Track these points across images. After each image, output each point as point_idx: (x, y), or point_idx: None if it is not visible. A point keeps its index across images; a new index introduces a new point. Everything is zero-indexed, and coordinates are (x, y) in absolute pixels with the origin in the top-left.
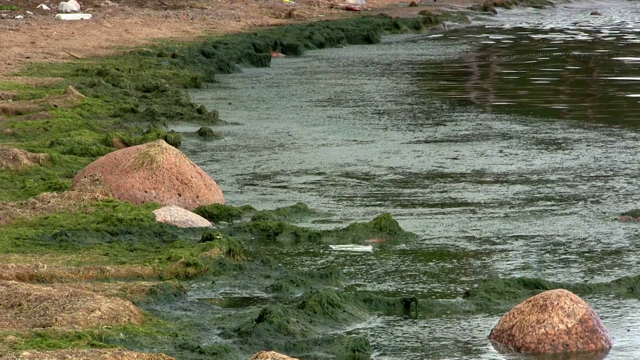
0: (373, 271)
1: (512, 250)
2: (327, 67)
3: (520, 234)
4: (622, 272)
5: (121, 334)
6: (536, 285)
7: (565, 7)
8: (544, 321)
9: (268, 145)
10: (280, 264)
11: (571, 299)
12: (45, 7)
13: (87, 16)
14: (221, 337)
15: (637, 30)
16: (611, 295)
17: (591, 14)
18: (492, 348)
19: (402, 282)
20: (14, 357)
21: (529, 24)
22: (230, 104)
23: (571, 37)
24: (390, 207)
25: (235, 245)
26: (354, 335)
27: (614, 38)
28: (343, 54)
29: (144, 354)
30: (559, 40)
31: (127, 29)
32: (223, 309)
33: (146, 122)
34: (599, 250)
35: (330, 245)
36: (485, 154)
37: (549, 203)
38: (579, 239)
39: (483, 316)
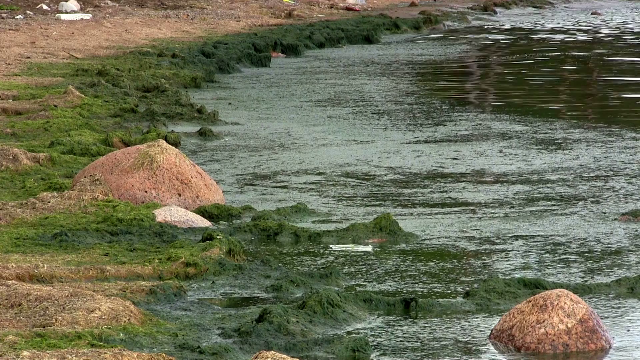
0: (373, 271)
1: (512, 250)
2: (327, 67)
3: (520, 234)
4: (622, 272)
5: (121, 334)
6: (536, 285)
7: (565, 7)
8: (544, 321)
9: (268, 145)
10: (280, 264)
11: (571, 299)
12: (45, 7)
13: (87, 16)
14: (221, 337)
15: (637, 30)
16: (611, 295)
17: (591, 14)
18: (492, 348)
19: (402, 282)
20: (14, 357)
21: (529, 24)
22: (230, 104)
23: (571, 37)
24: (390, 207)
25: (235, 245)
26: (354, 335)
27: (613, 38)
28: (343, 54)
29: (144, 354)
30: (558, 40)
31: (127, 29)
32: (223, 309)
33: (146, 122)
34: (599, 250)
35: (330, 245)
36: (485, 154)
37: (549, 203)
38: (579, 239)
39: (483, 316)
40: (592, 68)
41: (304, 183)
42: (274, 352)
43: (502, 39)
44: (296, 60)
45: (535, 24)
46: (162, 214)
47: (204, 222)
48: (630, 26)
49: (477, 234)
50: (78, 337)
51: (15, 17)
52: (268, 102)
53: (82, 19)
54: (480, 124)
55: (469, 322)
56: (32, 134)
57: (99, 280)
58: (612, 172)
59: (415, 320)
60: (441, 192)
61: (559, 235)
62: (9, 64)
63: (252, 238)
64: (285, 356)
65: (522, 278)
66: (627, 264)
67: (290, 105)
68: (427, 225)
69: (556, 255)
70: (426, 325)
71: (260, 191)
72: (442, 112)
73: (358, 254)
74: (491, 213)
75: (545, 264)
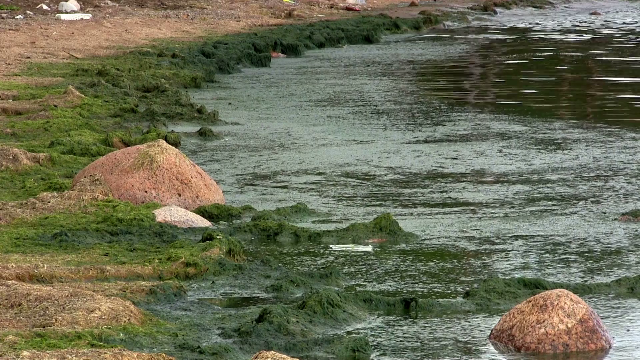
0: (373, 271)
1: (512, 250)
2: (327, 67)
3: (520, 234)
4: (622, 272)
5: (121, 334)
6: (536, 285)
7: (565, 7)
8: (544, 321)
9: (268, 145)
10: (280, 264)
11: (571, 299)
12: (45, 7)
13: (87, 16)
14: (221, 337)
15: (637, 30)
16: (611, 295)
17: (591, 14)
18: (492, 348)
19: (402, 282)
20: (14, 357)
21: (529, 24)
22: (230, 104)
23: (571, 37)
24: (391, 207)
25: (235, 245)
26: (354, 335)
27: (613, 38)
28: (343, 54)
29: (144, 354)
30: (558, 40)
31: (127, 29)
32: (223, 309)
33: (146, 122)
34: (599, 250)
35: (330, 245)
36: (485, 154)
37: (549, 203)
38: (579, 239)
39: (483, 316)
40: (592, 68)
41: (304, 183)
42: (274, 352)
43: (502, 39)
44: (296, 60)
45: (536, 24)
46: (162, 214)
47: (204, 222)
48: (631, 27)
49: (477, 234)
50: (78, 337)
51: (15, 17)
52: (268, 102)
53: (82, 19)
54: (479, 124)
55: (469, 322)
56: (32, 134)
57: (99, 280)
58: (611, 172)
59: (415, 320)
60: (441, 192)
61: (559, 235)
62: (9, 64)
63: (252, 238)
64: (285, 356)
65: (522, 278)
66: (627, 264)
67: (290, 105)
68: (427, 225)
69: (556, 255)
70: (426, 325)
71: (260, 191)
72: (442, 111)
73: (358, 254)
74: (491, 213)
75: (545, 264)
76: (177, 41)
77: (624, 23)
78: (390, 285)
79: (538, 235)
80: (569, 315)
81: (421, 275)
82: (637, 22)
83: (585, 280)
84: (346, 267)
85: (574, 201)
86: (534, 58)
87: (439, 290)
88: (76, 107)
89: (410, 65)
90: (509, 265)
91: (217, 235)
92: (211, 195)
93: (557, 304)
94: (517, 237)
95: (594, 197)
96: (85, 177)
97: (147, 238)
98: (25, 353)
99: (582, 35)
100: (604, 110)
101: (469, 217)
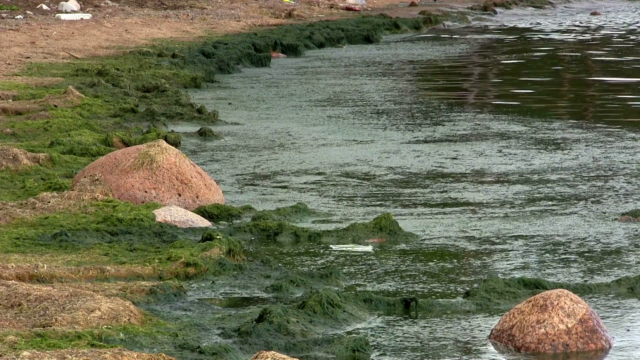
0: (373, 271)
1: (512, 250)
2: (327, 67)
3: (520, 234)
4: (622, 272)
5: (121, 334)
6: (536, 285)
7: (565, 7)
8: (544, 321)
9: (268, 145)
10: (280, 264)
11: (571, 299)
12: (45, 7)
13: (87, 16)
14: (221, 337)
15: (637, 30)
16: (611, 295)
17: (591, 14)
18: (492, 348)
19: (402, 282)
20: (14, 357)
21: (529, 24)
22: (230, 104)
23: (571, 37)
24: (391, 207)
25: (235, 245)
26: (354, 335)
27: (613, 38)
28: (343, 54)
29: (144, 354)
30: (558, 40)
31: (127, 29)
32: (223, 309)
33: (146, 122)
34: (599, 250)
35: (330, 245)
36: (485, 154)
37: (549, 203)
38: (579, 239)
39: (483, 316)
40: (592, 68)
41: (304, 183)
42: (274, 352)
43: (502, 39)
44: (296, 60)
45: (536, 23)
46: (162, 214)
47: (204, 222)
48: (631, 27)
49: (477, 234)
50: (78, 337)
51: (15, 17)
52: (268, 102)
53: (82, 19)
54: (479, 124)
55: (469, 322)
56: (32, 134)
57: (99, 280)
58: (611, 172)
59: (415, 320)
60: (441, 192)
61: (559, 235)
62: (9, 64)
63: (252, 238)
64: (285, 356)
65: (522, 278)
66: (627, 264)
67: (290, 105)
68: (427, 225)
69: (556, 255)
70: (426, 325)
71: (260, 191)
72: (442, 112)
73: (358, 254)
74: (491, 213)
75: (545, 264)
76: (177, 41)
77: (624, 23)
78: (390, 285)
79: (538, 235)
80: (569, 315)
81: (421, 275)
82: (637, 22)
83: (585, 280)
84: (346, 267)
85: (574, 201)
86: (534, 58)
87: (439, 290)
88: (76, 107)
89: (410, 65)
90: (509, 265)
91: (217, 235)
92: (211, 195)
93: (557, 304)
94: (517, 237)
95: (594, 197)
96: (85, 177)
97: (147, 238)
98: (25, 353)
99: (582, 35)
100: (603, 110)
101: (469, 217)
